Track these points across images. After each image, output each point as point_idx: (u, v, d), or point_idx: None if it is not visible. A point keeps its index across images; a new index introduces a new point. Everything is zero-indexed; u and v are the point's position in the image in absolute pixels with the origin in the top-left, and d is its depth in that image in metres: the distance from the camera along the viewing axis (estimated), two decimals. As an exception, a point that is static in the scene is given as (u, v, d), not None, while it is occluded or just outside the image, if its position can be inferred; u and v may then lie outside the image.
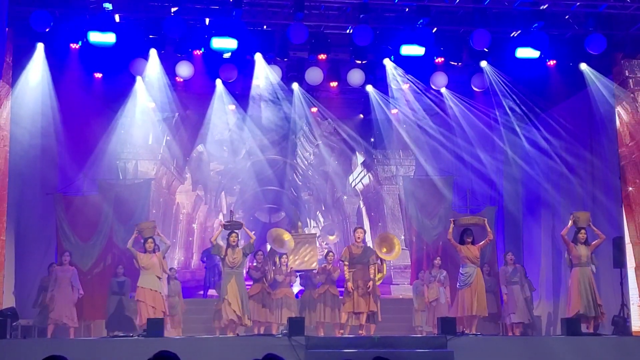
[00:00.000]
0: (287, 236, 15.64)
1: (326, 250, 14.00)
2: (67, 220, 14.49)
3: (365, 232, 14.60)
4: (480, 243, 13.27)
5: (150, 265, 12.50)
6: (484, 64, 14.89)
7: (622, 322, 12.93)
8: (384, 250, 13.87)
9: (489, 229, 13.41)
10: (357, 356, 10.26)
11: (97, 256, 14.65)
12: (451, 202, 16.49)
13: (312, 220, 25.75)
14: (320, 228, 25.56)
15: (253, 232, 13.58)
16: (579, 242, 12.69)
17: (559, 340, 11.72)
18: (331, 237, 13.90)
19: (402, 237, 18.56)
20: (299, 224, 21.86)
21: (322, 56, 14.44)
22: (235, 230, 13.10)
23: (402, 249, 15.59)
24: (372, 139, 20.70)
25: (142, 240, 12.78)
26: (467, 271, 13.03)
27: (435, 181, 16.80)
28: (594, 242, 12.80)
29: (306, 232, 22.08)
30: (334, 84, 15.48)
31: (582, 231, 12.77)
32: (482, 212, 16.59)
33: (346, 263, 13.06)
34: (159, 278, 12.59)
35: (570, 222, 12.93)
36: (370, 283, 12.91)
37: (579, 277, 12.49)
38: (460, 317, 12.83)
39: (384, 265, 14.31)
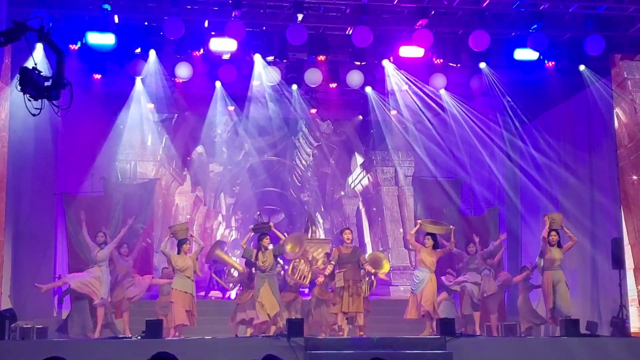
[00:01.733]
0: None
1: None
2: (76, 220, 14.48)
3: (352, 232, 14.66)
4: (439, 250, 12.99)
5: (185, 267, 12.50)
6: (482, 65, 14.91)
7: (620, 323, 12.93)
8: (375, 270, 13.76)
9: (452, 240, 13.10)
10: (356, 357, 10.27)
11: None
12: (459, 205, 16.52)
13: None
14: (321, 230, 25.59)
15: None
16: (551, 244, 12.62)
17: (558, 341, 11.71)
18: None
19: (401, 237, 18.63)
20: (312, 228, 21.78)
21: (321, 57, 14.46)
22: (265, 233, 12.96)
23: (390, 264, 15.47)
24: (371, 140, 20.73)
25: (177, 243, 12.77)
26: (419, 275, 12.78)
27: (443, 183, 16.82)
28: (566, 245, 12.76)
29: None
30: (333, 85, 15.48)
31: (554, 233, 12.66)
32: (486, 213, 16.63)
33: (333, 262, 13.13)
34: (192, 280, 12.59)
35: (547, 224, 12.83)
36: (362, 286, 12.99)
37: (552, 280, 12.53)
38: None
39: (385, 262, 14.32)
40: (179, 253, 12.68)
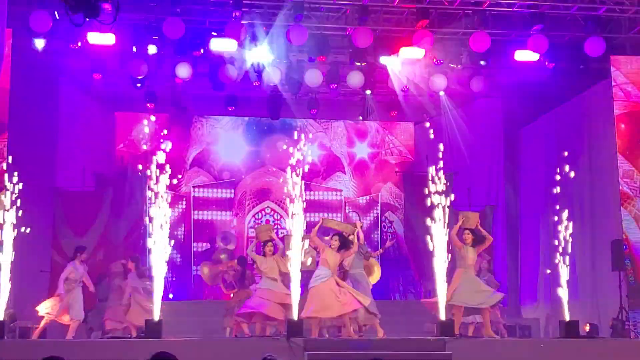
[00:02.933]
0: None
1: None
2: (64, 214, 14.49)
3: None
4: (344, 252, 11.95)
5: (269, 270, 12.22)
6: (483, 65, 14.90)
7: (620, 325, 12.94)
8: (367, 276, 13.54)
9: (355, 241, 12.13)
10: (355, 358, 10.26)
11: (91, 251, 14.62)
12: (451, 200, 16.42)
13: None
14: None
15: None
16: (465, 243, 12.29)
17: (557, 342, 11.70)
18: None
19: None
20: None
21: (322, 58, 14.46)
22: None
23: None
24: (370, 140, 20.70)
25: (262, 244, 12.51)
26: (319, 273, 11.75)
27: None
28: (481, 245, 12.28)
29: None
30: (333, 85, 15.48)
31: (467, 232, 12.08)
32: (482, 211, 16.61)
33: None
34: (276, 280, 12.22)
35: (460, 221, 12.23)
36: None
37: (462, 278, 11.87)
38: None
39: (376, 267, 13.94)
40: (263, 255, 12.41)
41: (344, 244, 11.81)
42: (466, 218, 12.32)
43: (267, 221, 18.57)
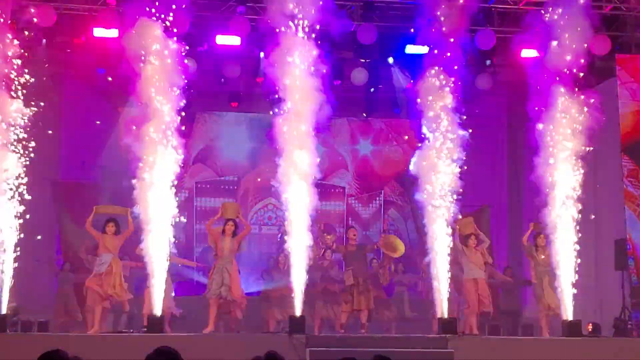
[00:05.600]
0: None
1: (323, 249, 13.86)
2: (66, 206, 14.48)
3: (357, 230, 14.65)
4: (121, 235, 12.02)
5: (229, 250, 12.03)
6: (488, 63, 14.86)
7: (622, 325, 12.91)
8: (390, 253, 13.73)
9: (129, 223, 11.91)
10: (357, 355, 10.24)
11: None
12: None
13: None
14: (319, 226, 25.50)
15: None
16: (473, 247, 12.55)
17: (559, 341, 11.69)
18: (328, 237, 13.67)
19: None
20: None
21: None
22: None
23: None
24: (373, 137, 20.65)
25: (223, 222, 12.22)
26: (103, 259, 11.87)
27: None
28: (480, 246, 12.71)
29: None
30: (337, 82, 15.44)
31: (473, 237, 12.65)
32: (478, 210, 16.58)
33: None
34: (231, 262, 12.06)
35: (457, 230, 12.56)
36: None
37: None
38: None
39: (398, 241, 14.08)
40: (222, 233, 12.14)
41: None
42: (462, 225, 12.48)
43: (270, 217, 18.56)
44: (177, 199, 11.26)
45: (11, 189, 10.84)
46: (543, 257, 12.38)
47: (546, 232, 12.41)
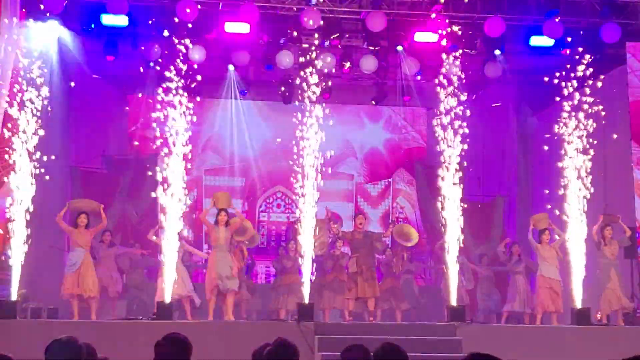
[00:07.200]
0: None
1: (333, 239, 13.87)
2: (82, 195, 14.49)
3: (365, 218, 14.60)
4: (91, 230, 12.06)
5: (223, 239, 11.94)
6: (497, 52, 14.78)
7: (632, 313, 12.89)
8: (404, 242, 13.74)
9: (103, 218, 12.12)
10: (365, 342, 10.26)
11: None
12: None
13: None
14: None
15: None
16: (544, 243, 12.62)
17: (568, 330, 11.69)
18: (335, 225, 13.62)
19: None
20: None
21: (335, 41, 14.37)
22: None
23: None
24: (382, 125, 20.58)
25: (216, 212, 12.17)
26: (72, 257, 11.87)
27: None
28: (555, 242, 12.72)
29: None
30: (346, 69, 15.41)
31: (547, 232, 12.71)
32: (492, 201, 16.53)
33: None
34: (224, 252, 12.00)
35: (532, 225, 12.83)
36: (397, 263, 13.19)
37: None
38: None
39: (411, 230, 14.17)
40: (215, 223, 12.10)
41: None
42: (537, 220, 12.55)
43: (279, 205, 18.57)
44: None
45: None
46: (609, 248, 12.39)
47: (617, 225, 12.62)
